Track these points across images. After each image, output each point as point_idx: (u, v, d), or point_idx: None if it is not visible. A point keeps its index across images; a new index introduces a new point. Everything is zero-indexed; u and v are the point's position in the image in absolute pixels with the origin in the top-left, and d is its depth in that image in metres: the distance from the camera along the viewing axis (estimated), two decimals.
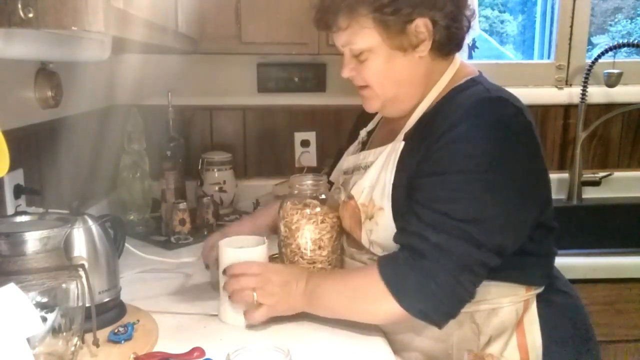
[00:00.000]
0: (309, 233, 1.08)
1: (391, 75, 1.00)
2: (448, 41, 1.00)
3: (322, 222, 1.08)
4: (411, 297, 0.91)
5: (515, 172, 0.92)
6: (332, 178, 1.24)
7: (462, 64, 1.05)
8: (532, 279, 1.02)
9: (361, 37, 0.97)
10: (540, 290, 1.03)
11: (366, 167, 1.06)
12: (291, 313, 1.03)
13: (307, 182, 1.11)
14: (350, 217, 1.07)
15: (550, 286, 1.05)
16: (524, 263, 0.99)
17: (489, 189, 0.90)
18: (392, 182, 0.99)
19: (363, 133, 1.21)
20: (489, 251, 0.90)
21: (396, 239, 0.96)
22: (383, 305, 0.93)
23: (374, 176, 1.03)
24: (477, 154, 0.90)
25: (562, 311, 1.05)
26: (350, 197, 1.06)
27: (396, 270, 0.92)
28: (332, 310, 1.00)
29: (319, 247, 1.09)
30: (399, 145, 1.00)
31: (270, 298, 1.00)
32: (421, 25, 0.96)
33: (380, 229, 1.00)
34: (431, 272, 0.89)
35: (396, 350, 1.03)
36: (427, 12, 0.95)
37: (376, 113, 1.17)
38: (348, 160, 1.17)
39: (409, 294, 0.91)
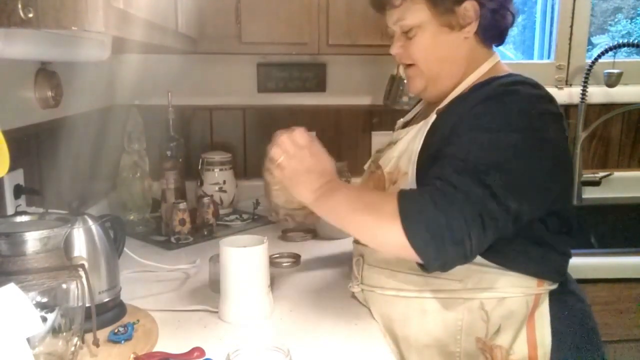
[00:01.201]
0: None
1: (436, 51, 1.05)
2: (491, 27, 1.05)
3: None
4: (419, 226, 0.88)
5: (543, 145, 0.94)
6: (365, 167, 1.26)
7: (501, 62, 1.10)
8: (543, 272, 1.02)
9: (412, 12, 1.03)
10: (553, 287, 1.03)
11: (397, 141, 1.09)
12: (298, 198, 1.04)
13: None
14: (374, 186, 1.10)
15: (564, 287, 1.06)
16: (536, 254, 1.00)
17: (515, 151, 0.91)
18: (419, 149, 1.01)
19: (400, 123, 1.23)
20: (504, 208, 0.89)
21: (422, 183, 0.96)
22: (386, 227, 0.91)
23: (403, 147, 1.06)
24: (509, 120, 0.93)
25: (574, 314, 1.05)
26: (378, 167, 1.09)
27: (414, 200, 0.91)
28: (337, 217, 1.00)
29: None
30: (431, 119, 1.04)
31: (290, 172, 1.03)
32: (470, 8, 1.02)
33: None
34: (448, 212, 0.87)
35: (404, 337, 1.04)
36: None
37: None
38: (383, 141, 1.21)
39: (418, 222, 0.88)
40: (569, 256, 1.07)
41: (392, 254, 1.00)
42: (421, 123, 1.06)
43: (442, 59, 1.06)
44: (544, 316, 1.02)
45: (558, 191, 0.99)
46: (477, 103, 0.97)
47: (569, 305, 1.05)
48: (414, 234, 0.88)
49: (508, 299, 1.00)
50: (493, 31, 1.07)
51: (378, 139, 1.99)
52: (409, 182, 1.00)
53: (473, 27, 1.03)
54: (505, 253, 0.97)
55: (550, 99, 0.98)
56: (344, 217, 0.98)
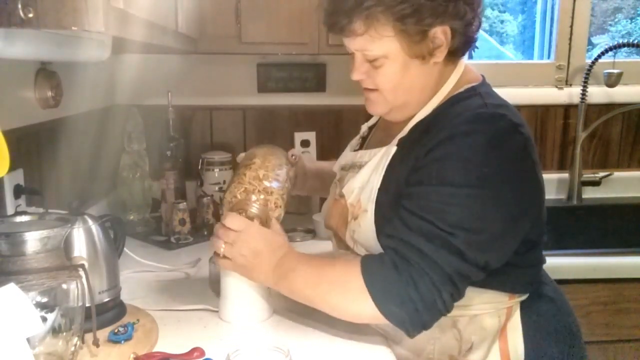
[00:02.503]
0: None
1: (406, 82, 0.97)
2: (463, 46, 0.99)
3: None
4: (390, 301, 0.89)
5: (505, 191, 0.90)
6: (334, 169, 1.24)
7: (467, 68, 1.03)
8: (516, 287, 1.00)
9: (379, 44, 0.94)
10: (524, 297, 1.02)
11: (360, 167, 1.06)
12: (259, 282, 1.03)
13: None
14: (338, 215, 1.08)
15: (536, 293, 1.04)
16: (507, 273, 0.97)
17: (477, 204, 0.88)
18: (378, 186, 0.99)
19: (364, 128, 1.21)
20: (472, 265, 0.88)
21: (382, 242, 0.95)
22: (358, 304, 0.91)
23: (365, 178, 1.03)
24: (469, 170, 0.89)
25: (545, 318, 1.03)
26: (342, 196, 1.07)
27: (379, 272, 0.90)
28: (302, 297, 0.98)
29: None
30: (391, 150, 1.00)
31: (237, 258, 1.01)
32: (439, 32, 0.93)
33: (362, 231, 1.00)
34: (414, 278, 0.87)
35: None
36: (448, 20, 0.93)
37: None
38: (347, 156, 1.17)
39: (388, 297, 0.89)
40: (542, 264, 1.06)
41: (366, 323, 1.01)
42: (383, 150, 1.02)
43: (411, 89, 0.98)
44: (515, 327, 1.00)
45: (528, 226, 0.96)
46: (435, 145, 0.91)
47: (538, 310, 1.03)
48: (387, 310, 0.89)
49: (480, 316, 0.99)
50: (465, 48, 1.00)
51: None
52: (368, 219, 0.99)
53: (443, 52, 0.95)
54: None
55: (512, 127, 0.92)
56: (310, 298, 0.98)
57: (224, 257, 1.02)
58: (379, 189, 0.99)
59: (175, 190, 1.68)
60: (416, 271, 0.88)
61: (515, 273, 0.99)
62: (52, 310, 0.81)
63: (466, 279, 0.90)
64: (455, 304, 0.95)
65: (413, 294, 0.87)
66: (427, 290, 0.87)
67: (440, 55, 0.96)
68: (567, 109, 2.06)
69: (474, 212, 0.88)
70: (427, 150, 0.92)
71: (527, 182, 0.94)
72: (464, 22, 0.95)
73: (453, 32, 0.94)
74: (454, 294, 0.89)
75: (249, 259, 1.00)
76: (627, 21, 2.36)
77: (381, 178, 0.99)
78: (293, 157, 1.24)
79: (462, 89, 0.99)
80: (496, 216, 0.90)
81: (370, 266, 0.92)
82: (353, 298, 0.92)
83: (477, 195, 0.88)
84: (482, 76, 1.05)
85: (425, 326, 0.90)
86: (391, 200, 0.96)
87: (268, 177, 1.10)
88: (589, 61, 1.98)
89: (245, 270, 1.02)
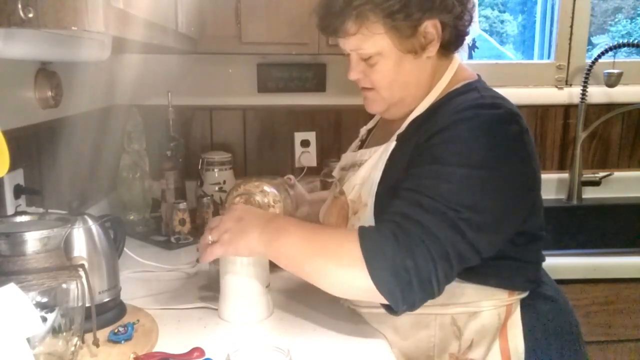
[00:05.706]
0: None
1: (400, 78, 1.00)
2: (455, 40, 1.01)
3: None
4: (384, 269, 0.85)
5: (503, 175, 0.91)
6: (333, 173, 1.24)
7: (461, 66, 1.05)
8: (515, 284, 1.00)
9: (371, 42, 0.97)
10: (524, 295, 1.02)
11: (361, 165, 1.07)
12: (250, 254, 1.00)
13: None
14: (338, 213, 1.08)
15: (536, 292, 1.04)
16: (506, 268, 0.98)
17: (477, 185, 0.89)
18: (378, 180, 0.99)
19: (363, 131, 1.22)
20: (470, 245, 0.87)
21: (381, 219, 0.93)
22: (350, 270, 0.87)
23: (365, 174, 1.03)
24: (468, 153, 0.89)
25: (546, 318, 1.03)
26: (342, 193, 1.07)
27: (377, 240, 0.87)
28: (291, 262, 0.95)
29: None
30: (391, 145, 1.01)
31: (223, 236, 0.98)
32: (430, 27, 0.95)
33: (362, 224, 0.99)
34: (412, 249, 0.85)
35: None
36: (437, 14, 0.95)
37: None
38: (347, 156, 1.18)
39: (383, 265, 0.85)
40: (541, 262, 1.06)
41: (353, 297, 0.98)
42: (382, 147, 1.03)
43: (406, 85, 1.00)
44: (516, 325, 1.00)
45: (525, 214, 0.97)
46: (435, 132, 0.92)
47: (539, 309, 1.03)
48: (381, 279, 0.85)
49: (480, 313, 0.99)
50: (457, 42, 1.02)
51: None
52: (368, 214, 0.98)
53: (435, 46, 0.97)
54: (475, 269, 0.94)
55: (510, 116, 0.93)
56: (299, 261, 0.93)
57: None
58: (379, 183, 0.99)
59: (175, 190, 1.68)
60: (415, 242, 0.85)
61: (514, 268, 0.99)
62: (52, 310, 0.81)
63: (461, 260, 0.88)
64: (455, 301, 0.96)
65: (409, 265, 0.84)
66: (425, 263, 0.85)
67: (433, 50, 0.98)
68: (567, 109, 2.07)
69: (474, 192, 0.88)
70: (427, 137, 0.93)
71: (523, 169, 0.95)
72: (453, 15, 0.97)
73: (443, 26, 0.97)
74: (448, 273, 0.87)
75: (234, 230, 0.98)
76: (627, 21, 2.36)
77: (381, 172, 1.00)
78: (288, 178, 1.28)
79: (458, 85, 1.01)
80: (495, 198, 0.90)
81: (368, 234, 0.89)
82: (345, 263, 0.88)
83: (477, 176, 0.89)
84: (478, 75, 1.06)
85: (415, 304, 0.87)
86: (390, 190, 0.96)
87: (264, 184, 1.18)
88: (589, 61, 1.99)
89: (233, 244, 0.98)
